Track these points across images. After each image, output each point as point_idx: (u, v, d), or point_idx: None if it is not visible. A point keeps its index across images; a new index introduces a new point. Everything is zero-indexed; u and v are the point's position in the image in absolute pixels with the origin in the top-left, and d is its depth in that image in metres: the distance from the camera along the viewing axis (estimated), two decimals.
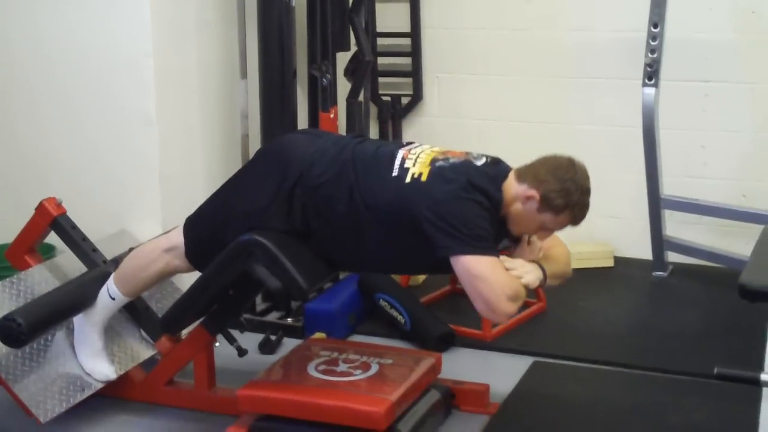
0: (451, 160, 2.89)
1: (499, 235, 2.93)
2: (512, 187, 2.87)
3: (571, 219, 2.88)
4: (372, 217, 2.87)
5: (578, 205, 2.85)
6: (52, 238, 3.51)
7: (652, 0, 4.32)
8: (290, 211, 2.93)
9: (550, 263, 2.96)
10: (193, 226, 3.12)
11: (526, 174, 2.87)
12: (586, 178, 2.89)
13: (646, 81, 4.36)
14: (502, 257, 2.85)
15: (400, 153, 2.94)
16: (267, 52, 4.02)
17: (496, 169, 2.92)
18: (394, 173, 2.88)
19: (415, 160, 2.90)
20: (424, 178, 2.84)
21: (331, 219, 2.92)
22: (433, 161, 2.89)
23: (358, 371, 3.07)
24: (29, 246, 3.47)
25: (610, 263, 4.76)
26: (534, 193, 2.82)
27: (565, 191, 2.81)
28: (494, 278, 2.75)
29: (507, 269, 2.81)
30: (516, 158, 4.85)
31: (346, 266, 3.20)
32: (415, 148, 2.98)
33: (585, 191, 2.87)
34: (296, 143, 3.07)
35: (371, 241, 2.91)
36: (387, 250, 2.94)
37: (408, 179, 2.85)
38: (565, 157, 2.90)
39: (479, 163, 2.91)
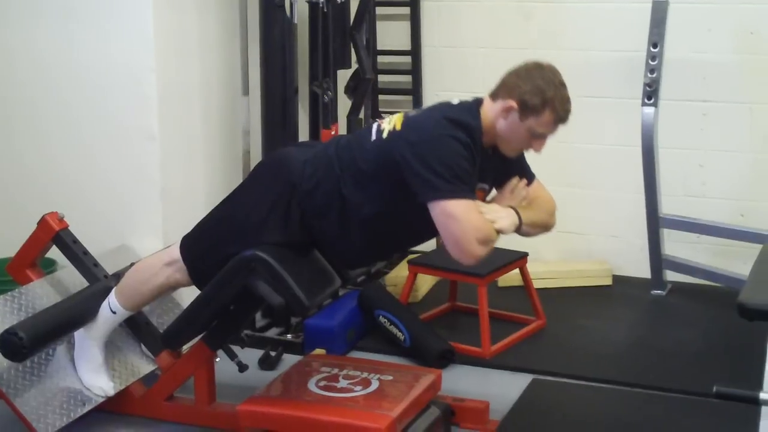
0: (423, 107, 2.96)
1: (485, 170, 2.94)
2: (489, 108, 2.89)
3: (556, 116, 2.86)
4: (360, 191, 2.88)
5: (557, 98, 2.84)
6: (54, 253, 3.53)
7: (651, 20, 4.35)
8: (287, 222, 2.95)
9: (531, 211, 2.97)
10: (191, 243, 3.13)
11: (497, 91, 2.90)
12: (556, 72, 2.89)
13: (646, 100, 4.39)
14: (477, 202, 2.87)
15: (375, 124, 2.99)
16: (269, 69, 4.04)
17: (471, 101, 2.95)
18: (373, 139, 2.92)
19: (389, 122, 2.94)
20: (398, 127, 2.88)
21: (330, 215, 2.93)
22: (406, 114, 2.95)
23: (359, 387, 3.07)
24: (31, 260, 3.48)
25: (609, 282, 4.77)
26: (510, 102, 2.84)
27: (538, 89, 2.82)
28: (466, 220, 2.77)
29: (481, 213, 2.84)
30: None
31: (353, 260, 3.20)
32: (389, 116, 3.02)
33: (559, 84, 2.86)
34: (290, 155, 3.10)
35: (371, 220, 2.91)
36: (382, 222, 2.92)
37: (385, 135, 2.89)
38: (530, 62, 2.92)
39: (454, 102, 2.96)
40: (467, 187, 2.81)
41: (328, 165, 2.94)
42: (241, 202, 3.07)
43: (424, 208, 2.81)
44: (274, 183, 2.99)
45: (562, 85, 2.87)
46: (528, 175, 3.08)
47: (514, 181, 2.99)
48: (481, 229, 2.79)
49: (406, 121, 2.89)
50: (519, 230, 2.93)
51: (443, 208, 2.77)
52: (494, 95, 2.90)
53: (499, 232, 2.86)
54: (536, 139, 2.90)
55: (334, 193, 2.91)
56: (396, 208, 2.90)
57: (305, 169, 2.96)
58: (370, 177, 2.88)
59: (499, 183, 3.04)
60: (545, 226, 3.05)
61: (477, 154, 2.85)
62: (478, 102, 2.93)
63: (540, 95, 2.82)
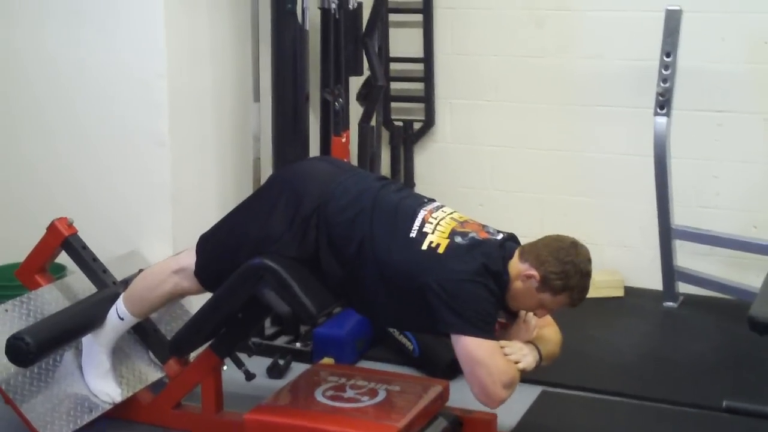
0: (470, 235, 2.89)
1: (499, 310, 2.95)
2: (516, 265, 2.88)
3: (569, 301, 2.90)
4: (378, 271, 2.89)
5: (577, 288, 2.87)
6: (63, 258, 3.52)
7: (664, 29, 4.33)
8: (304, 240, 2.93)
9: (543, 344, 2.98)
10: (206, 245, 3.13)
11: (529, 253, 2.88)
12: (587, 261, 2.89)
13: (658, 110, 4.36)
14: (501, 342, 2.88)
15: (422, 213, 2.93)
16: (280, 75, 4.03)
17: (506, 247, 2.93)
18: (412, 234, 2.88)
19: (435, 226, 2.89)
20: (441, 250, 2.84)
21: (338, 257, 2.92)
22: (453, 234, 2.88)
23: (366, 397, 3.06)
24: (40, 266, 3.48)
25: (621, 293, 4.74)
26: (534, 273, 2.84)
27: (565, 274, 2.83)
28: (493, 365, 2.79)
29: (505, 354, 2.85)
30: (527, 185, 4.91)
31: (347, 303, 3.22)
32: (437, 210, 2.97)
33: (585, 274, 2.87)
34: (315, 173, 3.07)
35: (371, 291, 2.93)
36: (385, 304, 2.95)
37: (425, 246, 2.85)
38: (569, 239, 2.92)
39: (497, 238, 2.93)
40: (491, 328, 2.84)
41: (361, 214, 2.91)
42: (258, 213, 3.04)
43: (428, 321, 2.84)
44: (294, 201, 2.96)
45: (588, 275, 2.89)
46: None
47: (522, 312, 3.00)
48: (507, 372, 2.82)
49: (449, 248, 2.85)
50: (538, 365, 2.94)
51: (467, 347, 2.79)
52: (524, 255, 2.88)
53: (522, 371, 2.88)
54: (542, 309, 2.94)
55: (352, 247, 2.90)
56: (401, 308, 2.93)
57: (335, 193, 2.94)
58: (392, 275, 2.87)
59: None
60: (554, 358, 3.06)
61: (501, 302, 2.89)
62: (510, 252, 2.91)
63: (563, 280, 2.83)
